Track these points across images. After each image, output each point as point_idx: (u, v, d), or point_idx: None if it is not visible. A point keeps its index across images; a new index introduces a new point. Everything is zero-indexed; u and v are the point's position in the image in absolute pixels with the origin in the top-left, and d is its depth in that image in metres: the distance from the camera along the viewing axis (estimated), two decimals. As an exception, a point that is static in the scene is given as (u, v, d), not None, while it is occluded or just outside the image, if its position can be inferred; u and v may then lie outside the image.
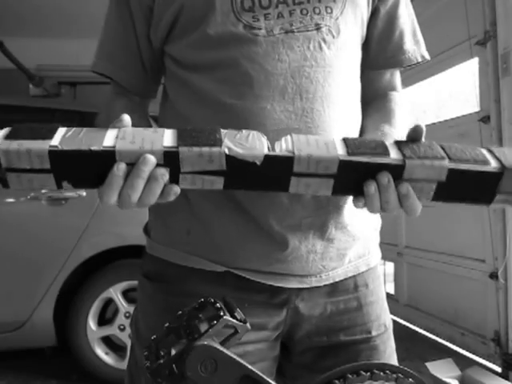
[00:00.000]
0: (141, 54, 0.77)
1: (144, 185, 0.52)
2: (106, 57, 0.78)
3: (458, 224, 2.87)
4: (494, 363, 2.55)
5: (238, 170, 0.52)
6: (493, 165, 0.54)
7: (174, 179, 0.53)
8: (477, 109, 2.71)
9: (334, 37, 0.70)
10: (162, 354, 0.50)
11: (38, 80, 3.77)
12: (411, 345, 3.00)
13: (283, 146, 0.54)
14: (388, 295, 4.02)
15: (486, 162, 0.54)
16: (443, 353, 2.73)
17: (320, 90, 0.68)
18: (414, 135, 0.57)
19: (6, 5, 3.77)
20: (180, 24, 0.71)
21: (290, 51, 0.68)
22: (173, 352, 0.49)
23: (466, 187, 0.55)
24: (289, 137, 0.55)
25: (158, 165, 0.51)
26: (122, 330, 2.39)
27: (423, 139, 0.57)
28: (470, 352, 2.75)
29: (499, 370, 2.49)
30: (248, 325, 0.51)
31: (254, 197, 0.66)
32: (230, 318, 0.50)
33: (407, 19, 0.81)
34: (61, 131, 0.52)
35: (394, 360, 0.80)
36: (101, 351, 2.40)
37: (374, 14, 0.78)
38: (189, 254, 0.72)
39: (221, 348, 0.48)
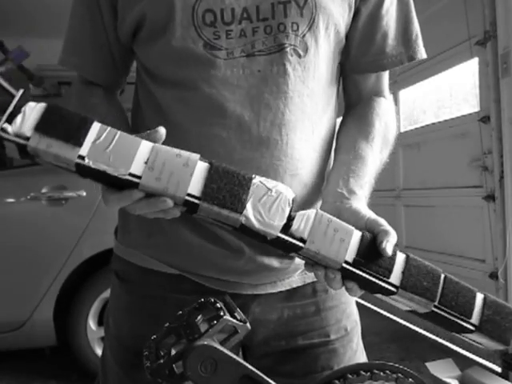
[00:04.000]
0: (110, 46, 0.73)
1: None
2: (73, 51, 0.75)
3: (458, 224, 2.87)
4: (493, 363, 2.55)
5: (249, 233, 0.54)
6: (473, 320, 0.57)
7: (189, 213, 0.54)
8: (477, 109, 2.71)
9: (300, 56, 0.66)
10: (162, 354, 0.50)
11: (38, 80, 3.76)
12: (411, 345, 3.00)
13: (300, 227, 0.53)
14: (388, 295, 3.96)
15: (468, 317, 0.57)
16: (443, 353, 2.73)
17: (279, 118, 0.66)
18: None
19: (6, 5, 3.77)
20: (144, 31, 0.68)
21: (249, 76, 0.65)
22: (173, 352, 0.49)
23: (439, 323, 0.59)
24: (312, 216, 0.54)
25: (175, 204, 0.51)
26: (122, 329, 2.38)
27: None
28: (470, 352, 2.75)
29: (499, 370, 2.49)
30: (248, 325, 0.51)
31: None
32: (230, 318, 0.50)
33: (394, 18, 0.74)
34: (93, 132, 0.49)
35: (356, 361, 0.78)
36: (101, 351, 2.39)
37: (355, 15, 0.72)
38: (148, 255, 0.73)
39: (221, 348, 0.48)
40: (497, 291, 2.49)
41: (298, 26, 0.66)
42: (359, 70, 0.77)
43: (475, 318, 0.57)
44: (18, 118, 0.48)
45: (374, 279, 0.54)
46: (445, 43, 2.91)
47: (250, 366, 0.49)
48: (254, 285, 0.72)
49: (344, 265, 0.54)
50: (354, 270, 0.54)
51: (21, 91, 0.50)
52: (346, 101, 0.81)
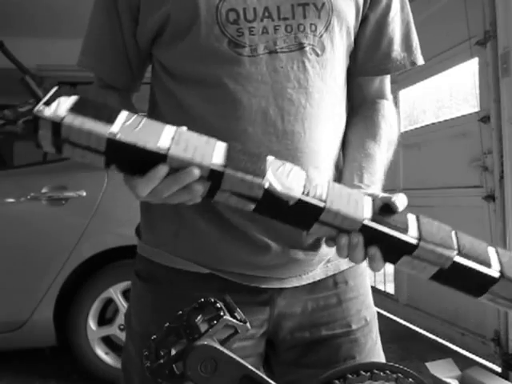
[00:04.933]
0: (127, 52, 0.76)
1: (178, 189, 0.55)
2: (91, 54, 0.78)
3: (458, 224, 2.85)
4: (493, 363, 2.55)
5: (271, 203, 0.55)
6: (494, 268, 0.57)
7: (211, 193, 0.56)
8: (477, 109, 2.71)
9: (318, 55, 0.70)
10: (162, 353, 0.50)
11: (38, 80, 3.77)
12: (411, 345, 3.00)
13: (318, 192, 0.56)
14: (388, 295, 3.99)
15: (488, 265, 0.57)
16: (443, 353, 2.73)
17: (301, 112, 0.69)
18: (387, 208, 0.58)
19: (5, 5, 3.77)
20: (167, 32, 0.71)
21: (273, 72, 0.68)
22: (173, 352, 0.49)
23: (463, 279, 0.58)
24: (325, 183, 0.57)
25: (200, 177, 0.53)
26: (122, 329, 2.38)
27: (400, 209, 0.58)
28: (470, 352, 2.75)
29: (499, 370, 2.49)
30: (248, 325, 0.51)
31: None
32: (230, 318, 0.50)
33: (398, 25, 0.79)
34: (122, 116, 0.53)
35: (376, 351, 0.82)
36: (101, 351, 2.40)
37: (363, 21, 0.77)
38: (175, 255, 0.74)
39: (221, 348, 0.48)
40: (497, 291, 2.49)
41: (316, 27, 0.70)
42: (365, 74, 0.81)
43: (495, 265, 0.57)
44: (54, 104, 0.51)
45: (395, 233, 0.56)
46: (445, 43, 2.91)
47: (250, 366, 0.49)
48: (281, 279, 0.74)
49: (365, 222, 0.55)
50: (375, 226, 0.56)
51: (56, 87, 0.53)
52: (350, 103, 0.83)
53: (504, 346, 2.47)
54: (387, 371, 0.53)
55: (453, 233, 0.59)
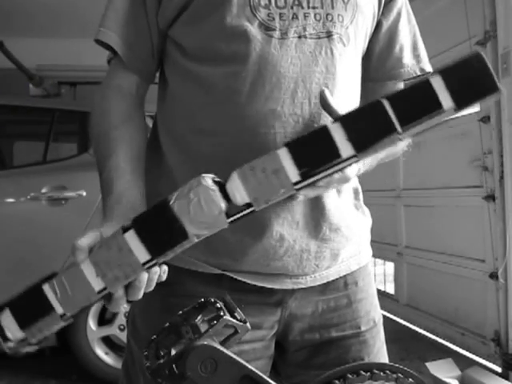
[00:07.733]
0: (151, 34, 0.73)
1: None
2: (114, 29, 0.73)
3: (457, 224, 2.87)
4: (494, 363, 2.55)
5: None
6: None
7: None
8: (477, 109, 2.71)
9: (344, 45, 0.72)
10: (162, 354, 0.50)
11: (38, 80, 3.77)
12: (411, 345, 3.00)
13: (237, 197, 0.51)
14: (388, 295, 3.98)
15: (437, 107, 0.48)
16: (443, 353, 2.73)
17: None
18: None
19: (5, 5, 3.77)
20: (192, 9, 0.69)
21: (302, 55, 0.69)
22: (173, 352, 0.49)
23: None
24: (236, 179, 0.51)
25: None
26: (122, 330, 2.39)
27: None
28: (470, 352, 2.75)
29: (499, 369, 2.49)
30: (248, 325, 0.51)
31: None
32: (230, 318, 0.50)
33: (408, 33, 0.82)
34: (49, 293, 0.55)
35: (383, 353, 0.83)
36: (101, 351, 2.40)
37: (376, 27, 0.79)
38: (187, 256, 0.73)
39: (221, 348, 0.48)
40: (497, 291, 2.49)
41: (343, 18, 0.72)
42: (377, 79, 0.83)
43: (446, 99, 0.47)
44: (7, 333, 0.57)
45: (330, 171, 0.51)
46: (445, 43, 2.91)
47: (250, 366, 0.49)
48: (295, 277, 0.74)
49: (297, 186, 0.51)
50: (308, 182, 0.51)
51: None
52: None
53: (504, 345, 2.47)
54: (387, 371, 0.53)
55: (384, 102, 0.49)
